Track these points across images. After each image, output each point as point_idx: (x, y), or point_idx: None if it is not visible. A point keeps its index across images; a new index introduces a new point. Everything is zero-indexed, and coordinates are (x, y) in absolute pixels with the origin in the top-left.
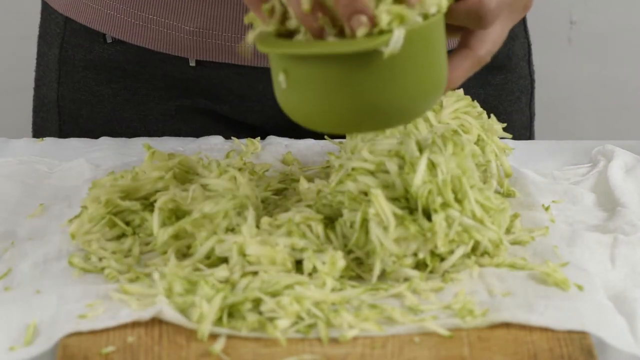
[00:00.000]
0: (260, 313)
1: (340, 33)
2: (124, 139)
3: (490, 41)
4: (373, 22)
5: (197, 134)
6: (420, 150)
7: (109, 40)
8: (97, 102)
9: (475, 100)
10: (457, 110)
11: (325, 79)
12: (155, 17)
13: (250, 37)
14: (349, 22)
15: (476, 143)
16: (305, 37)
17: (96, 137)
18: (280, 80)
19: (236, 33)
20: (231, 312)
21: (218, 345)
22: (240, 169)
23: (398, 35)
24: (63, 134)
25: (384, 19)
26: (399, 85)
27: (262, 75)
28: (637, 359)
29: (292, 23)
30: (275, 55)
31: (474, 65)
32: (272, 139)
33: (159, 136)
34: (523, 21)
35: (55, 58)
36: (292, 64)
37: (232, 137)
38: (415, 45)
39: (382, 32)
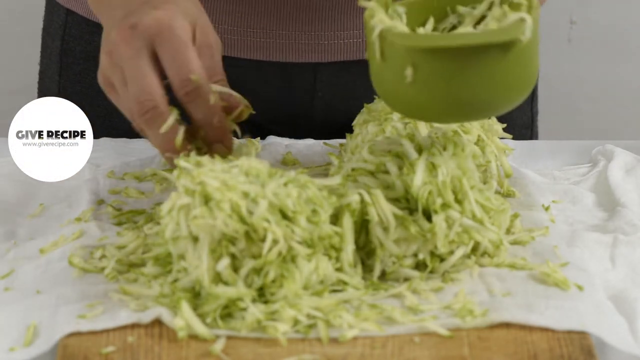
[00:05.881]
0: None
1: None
2: (124, 139)
3: None
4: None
5: None
6: (420, 151)
7: None
8: (97, 94)
9: None
10: None
11: (461, 71)
12: None
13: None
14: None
15: (476, 143)
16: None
17: (96, 129)
18: (407, 74)
19: (245, 27)
20: (231, 312)
21: (218, 345)
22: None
23: (529, 22)
24: None
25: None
26: (525, 70)
27: (270, 68)
28: (637, 359)
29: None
30: (403, 48)
31: None
32: (272, 138)
33: None
34: None
35: (57, 50)
36: (423, 57)
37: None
38: (534, 32)
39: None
